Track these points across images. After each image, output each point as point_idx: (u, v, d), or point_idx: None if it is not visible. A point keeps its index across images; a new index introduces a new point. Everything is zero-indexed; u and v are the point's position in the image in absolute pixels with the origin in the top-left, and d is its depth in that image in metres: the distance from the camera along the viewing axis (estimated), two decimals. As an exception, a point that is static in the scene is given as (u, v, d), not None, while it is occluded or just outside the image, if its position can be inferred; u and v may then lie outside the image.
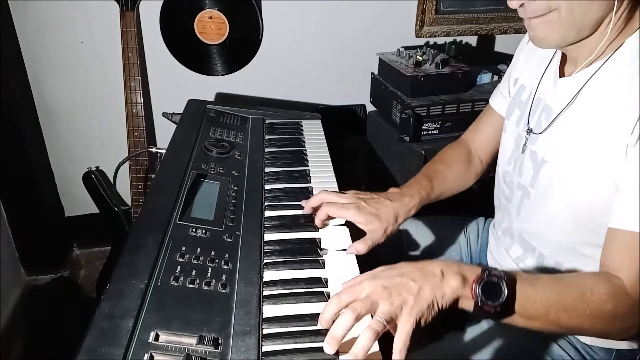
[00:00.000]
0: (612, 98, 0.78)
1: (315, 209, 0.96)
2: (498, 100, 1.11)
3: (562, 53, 0.90)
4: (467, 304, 0.71)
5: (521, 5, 0.79)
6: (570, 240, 0.87)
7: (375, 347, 0.67)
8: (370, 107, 1.89)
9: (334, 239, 0.91)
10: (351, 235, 0.94)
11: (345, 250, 0.89)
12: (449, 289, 0.69)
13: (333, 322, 0.67)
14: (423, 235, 1.19)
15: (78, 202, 1.89)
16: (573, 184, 0.82)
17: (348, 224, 0.96)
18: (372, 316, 0.67)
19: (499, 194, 1.05)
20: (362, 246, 0.89)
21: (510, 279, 0.71)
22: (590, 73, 0.82)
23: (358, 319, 0.66)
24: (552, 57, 0.93)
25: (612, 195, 0.77)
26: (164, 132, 1.84)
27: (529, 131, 0.93)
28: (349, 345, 0.65)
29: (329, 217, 0.95)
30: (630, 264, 0.73)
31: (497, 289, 0.69)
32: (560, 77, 0.89)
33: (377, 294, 0.67)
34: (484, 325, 0.97)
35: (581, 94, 0.83)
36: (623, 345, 0.92)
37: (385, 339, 0.68)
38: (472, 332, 0.96)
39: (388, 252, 1.15)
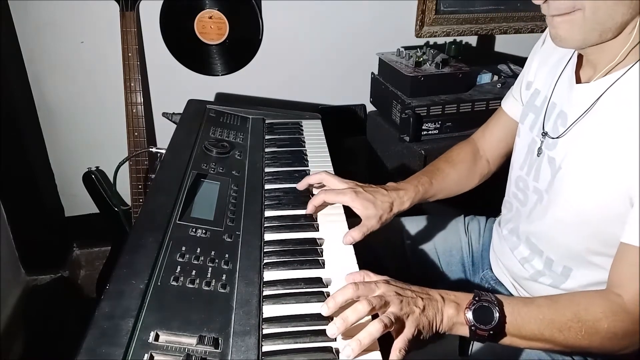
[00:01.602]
0: (632, 110, 0.76)
1: (310, 189, 1.00)
2: (510, 103, 1.10)
3: (579, 57, 0.89)
4: (463, 330, 0.75)
5: (545, 2, 0.77)
6: (580, 248, 0.86)
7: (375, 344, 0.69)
8: (370, 107, 1.89)
9: (334, 239, 0.91)
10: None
11: (346, 253, 0.89)
12: (446, 317, 0.74)
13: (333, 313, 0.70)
14: (424, 234, 1.19)
15: (78, 202, 1.89)
16: (586, 192, 0.82)
17: (347, 220, 0.97)
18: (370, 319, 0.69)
19: (511, 197, 1.05)
20: (357, 233, 0.91)
21: (501, 302, 0.75)
22: (609, 82, 0.80)
23: (371, 312, 0.69)
24: (568, 61, 0.92)
25: (626, 208, 0.76)
26: (164, 132, 1.84)
27: (544, 134, 0.92)
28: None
29: (325, 204, 0.97)
30: (632, 281, 0.73)
31: (488, 313, 0.74)
32: (577, 82, 0.87)
33: (390, 297, 0.72)
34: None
35: (599, 102, 0.81)
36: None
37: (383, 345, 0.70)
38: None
39: (389, 250, 1.16)
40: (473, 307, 0.74)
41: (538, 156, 0.94)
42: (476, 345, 0.92)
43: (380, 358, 0.68)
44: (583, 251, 0.86)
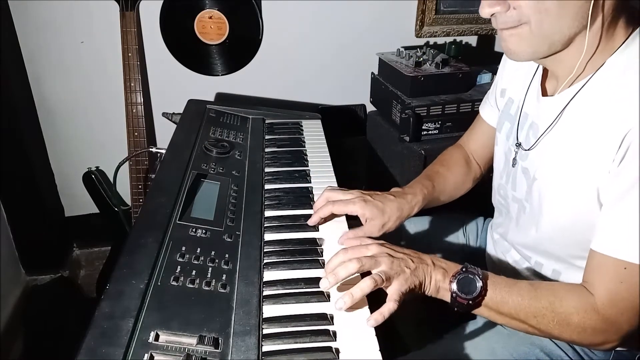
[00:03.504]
0: (595, 119, 0.77)
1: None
2: (486, 110, 1.11)
3: (544, 69, 0.90)
4: (446, 295, 0.80)
5: (493, 15, 0.77)
6: (564, 254, 0.88)
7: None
8: (370, 107, 1.89)
9: (334, 239, 0.91)
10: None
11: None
12: (434, 280, 0.80)
13: None
14: (423, 235, 1.19)
15: (78, 202, 1.89)
16: (560, 201, 0.83)
17: (349, 223, 0.96)
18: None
19: (497, 203, 1.06)
20: (351, 235, 0.91)
21: (486, 276, 0.78)
22: (572, 93, 0.81)
23: (360, 270, 0.76)
24: (535, 72, 0.93)
25: (597, 214, 0.78)
26: (164, 132, 1.84)
27: (518, 145, 0.93)
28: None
29: (332, 215, 0.95)
30: (603, 284, 0.75)
31: (472, 284, 0.78)
32: (543, 95, 0.89)
33: (382, 257, 0.78)
34: (484, 326, 0.97)
35: (565, 114, 0.83)
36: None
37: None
38: (471, 332, 0.96)
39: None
40: (459, 277, 0.78)
41: (513, 167, 0.95)
42: (475, 347, 0.93)
43: (368, 312, 0.75)
44: (568, 257, 0.88)
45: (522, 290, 0.79)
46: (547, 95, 0.88)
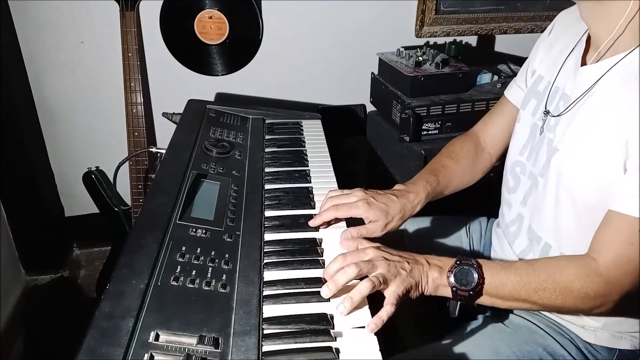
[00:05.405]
0: (630, 90, 0.77)
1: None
2: (514, 92, 1.10)
3: (586, 42, 0.90)
4: (446, 291, 0.82)
5: None
6: (582, 230, 0.86)
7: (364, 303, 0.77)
8: (370, 107, 1.89)
9: (333, 239, 0.91)
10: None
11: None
12: (431, 279, 0.81)
13: None
14: (426, 236, 1.19)
15: (78, 202, 1.89)
16: (585, 172, 0.83)
17: (348, 221, 0.96)
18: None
19: (507, 184, 1.05)
20: (354, 232, 0.92)
21: (481, 265, 0.80)
22: (612, 62, 0.82)
23: (359, 275, 0.77)
24: (574, 47, 0.93)
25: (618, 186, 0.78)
26: (164, 132, 1.84)
27: (547, 113, 0.93)
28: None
29: (336, 219, 0.95)
30: (611, 246, 0.77)
31: (469, 275, 0.80)
32: (582, 65, 0.89)
33: (378, 261, 0.79)
34: (485, 325, 0.97)
35: (601, 82, 0.83)
36: (626, 345, 0.92)
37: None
38: (472, 332, 0.96)
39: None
40: (455, 270, 0.80)
41: (540, 134, 0.94)
42: (477, 345, 0.92)
43: (369, 313, 0.75)
44: (586, 233, 0.85)
45: (519, 269, 0.81)
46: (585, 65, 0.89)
